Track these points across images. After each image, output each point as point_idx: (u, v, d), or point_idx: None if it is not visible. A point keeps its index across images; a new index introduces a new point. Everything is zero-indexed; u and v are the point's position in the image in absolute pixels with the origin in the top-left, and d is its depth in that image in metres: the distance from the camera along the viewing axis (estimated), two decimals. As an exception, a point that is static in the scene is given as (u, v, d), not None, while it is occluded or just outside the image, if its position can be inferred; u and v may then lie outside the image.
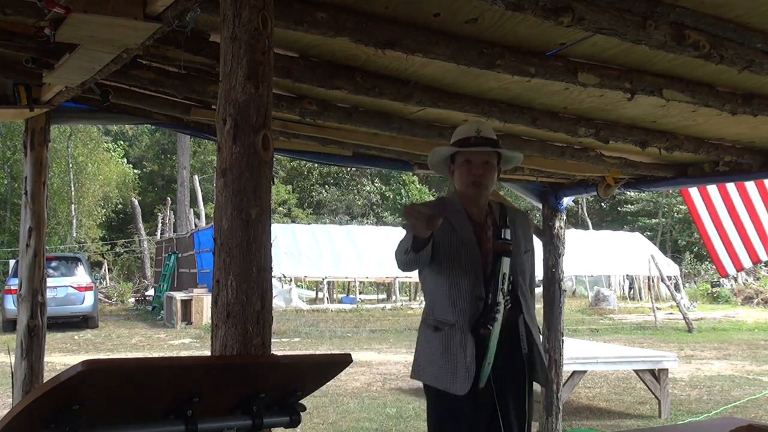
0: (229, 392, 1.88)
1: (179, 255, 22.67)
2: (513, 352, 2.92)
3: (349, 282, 23.54)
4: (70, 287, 16.23)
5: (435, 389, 2.93)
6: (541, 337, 3.07)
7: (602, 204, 34.48)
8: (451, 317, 2.89)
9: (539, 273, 6.59)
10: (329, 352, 10.91)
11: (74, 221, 28.80)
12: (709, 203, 6.57)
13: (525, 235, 3.08)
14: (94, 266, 26.06)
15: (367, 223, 31.90)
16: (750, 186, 6.35)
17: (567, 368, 6.58)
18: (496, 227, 3.01)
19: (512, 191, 7.03)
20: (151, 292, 23.87)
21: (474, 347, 2.84)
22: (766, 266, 25.18)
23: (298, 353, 11.38)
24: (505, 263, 2.91)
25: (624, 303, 22.64)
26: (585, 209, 31.97)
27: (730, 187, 6.40)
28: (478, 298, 2.89)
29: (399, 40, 2.65)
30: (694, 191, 6.57)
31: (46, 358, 4.30)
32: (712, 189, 6.48)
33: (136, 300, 24.21)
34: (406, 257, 2.79)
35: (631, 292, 25.03)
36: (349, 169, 33.64)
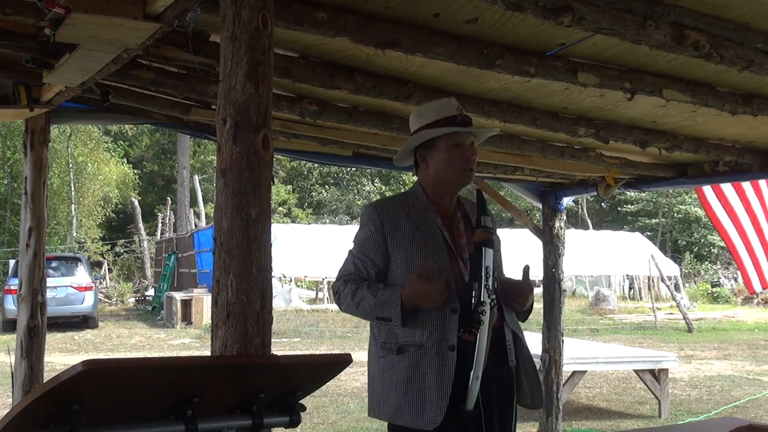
0: (229, 392, 1.88)
1: (179, 255, 22.68)
2: (499, 367, 2.52)
3: (349, 282, 23.49)
4: (70, 287, 16.24)
5: (399, 427, 2.48)
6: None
7: (602, 204, 34.46)
8: (418, 337, 2.44)
9: (539, 273, 6.58)
10: (329, 352, 10.90)
11: (74, 221, 28.79)
12: (728, 206, 6.26)
13: (495, 231, 2.64)
14: (94, 266, 26.06)
15: (367, 223, 31.80)
16: (763, 185, 6.01)
17: (567, 368, 6.59)
18: (467, 220, 2.64)
19: (512, 191, 7.02)
20: (151, 292, 23.88)
21: (451, 367, 2.40)
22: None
23: (298, 353, 11.38)
24: (488, 255, 2.47)
25: (624, 303, 22.65)
26: (585, 209, 31.96)
27: (746, 186, 6.05)
28: (452, 310, 2.45)
29: (399, 40, 2.65)
30: (710, 193, 6.31)
31: (46, 358, 4.30)
32: (728, 189, 6.13)
33: (136, 300, 24.22)
34: (369, 318, 2.51)
35: (631, 292, 25.03)
36: (349, 169, 33.64)
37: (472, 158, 2.59)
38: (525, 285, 2.60)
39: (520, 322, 2.68)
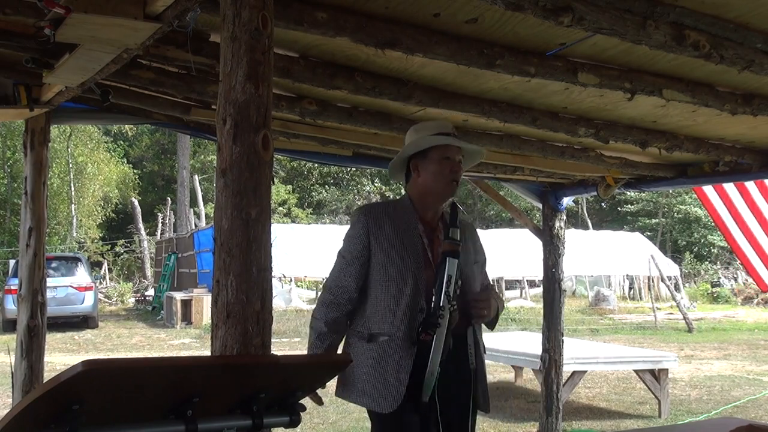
0: (229, 392, 1.88)
1: (179, 255, 22.67)
2: (460, 366, 2.77)
3: (349, 282, 23.45)
4: (70, 287, 16.24)
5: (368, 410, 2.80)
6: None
7: (602, 204, 34.44)
8: (388, 328, 2.70)
9: (539, 273, 6.60)
10: (329, 353, 10.86)
11: (74, 221, 28.79)
12: (729, 203, 6.23)
13: (474, 245, 2.93)
14: (94, 266, 26.04)
15: (367, 223, 31.74)
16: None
17: (567, 368, 6.59)
18: (447, 229, 2.86)
19: (512, 191, 7.02)
20: (151, 292, 23.88)
21: (411, 359, 2.67)
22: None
23: (298, 353, 11.37)
24: (452, 264, 2.70)
25: (624, 303, 22.64)
26: (585, 209, 31.94)
27: (749, 184, 6.00)
28: (419, 310, 2.69)
29: (399, 40, 2.65)
30: (711, 192, 6.29)
31: (46, 358, 4.30)
32: (730, 187, 6.11)
33: (136, 300, 24.21)
34: (309, 347, 2.85)
35: (631, 292, 25.01)
36: (349, 169, 33.63)
37: (458, 172, 2.84)
38: (480, 297, 2.82)
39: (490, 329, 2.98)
